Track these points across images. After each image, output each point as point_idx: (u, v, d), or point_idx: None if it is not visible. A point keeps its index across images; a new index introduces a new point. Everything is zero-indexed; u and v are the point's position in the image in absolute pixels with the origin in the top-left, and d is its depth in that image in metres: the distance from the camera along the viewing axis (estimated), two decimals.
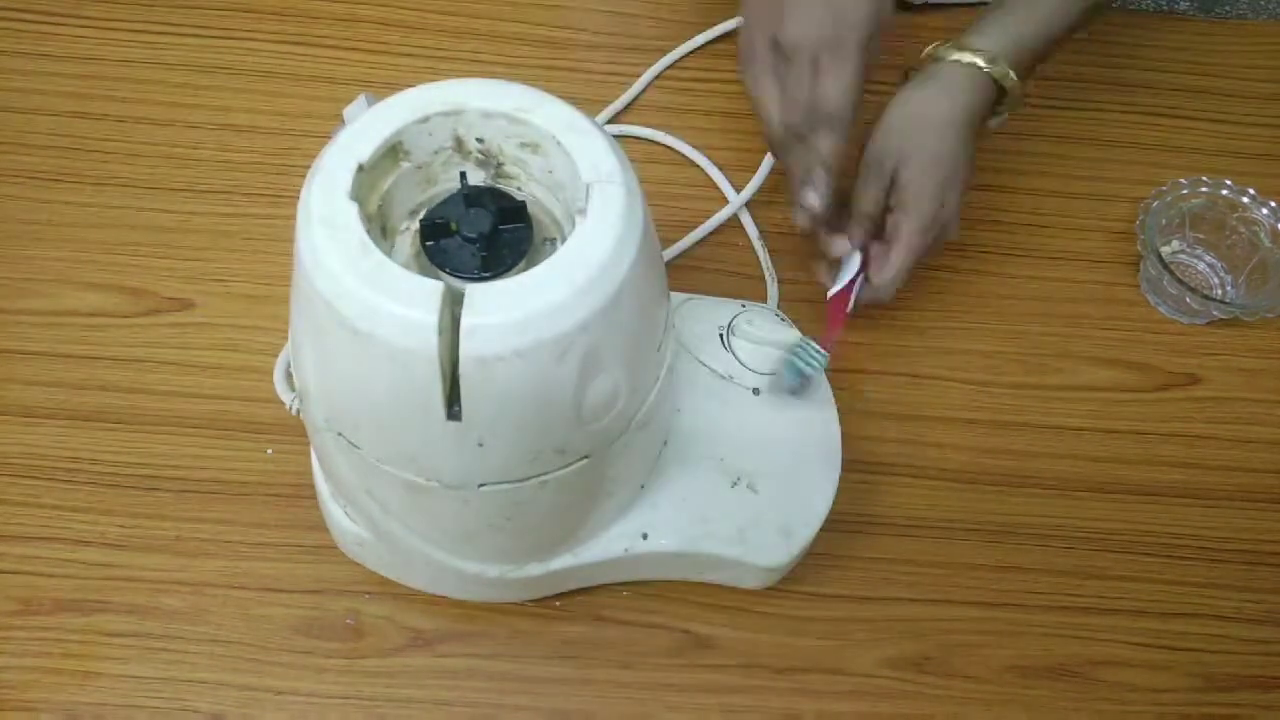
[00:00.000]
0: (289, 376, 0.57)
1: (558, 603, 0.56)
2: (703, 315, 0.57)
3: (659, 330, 0.45)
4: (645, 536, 0.52)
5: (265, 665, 0.53)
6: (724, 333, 0.56)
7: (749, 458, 0.54)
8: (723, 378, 0.55)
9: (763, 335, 0.55)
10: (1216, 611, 0.58)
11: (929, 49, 0.61)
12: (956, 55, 0.59)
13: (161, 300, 0.63)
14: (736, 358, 0.55)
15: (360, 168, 0.40)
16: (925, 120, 0.58)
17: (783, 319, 0.58)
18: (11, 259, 0.64)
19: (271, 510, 0.57)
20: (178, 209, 0.67)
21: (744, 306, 0.57)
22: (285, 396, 0.56)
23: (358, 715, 0.52)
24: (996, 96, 0.60)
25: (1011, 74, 0.59)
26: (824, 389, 0.57)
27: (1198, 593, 0.59)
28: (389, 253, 0.38)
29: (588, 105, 0.73)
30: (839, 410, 0.56)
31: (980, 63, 0.59)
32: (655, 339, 0.45)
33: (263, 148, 0.69)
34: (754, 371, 0.55)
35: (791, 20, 0.55)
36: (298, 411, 0.55)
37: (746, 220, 0.69)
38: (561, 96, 0.43)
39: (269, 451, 0.59)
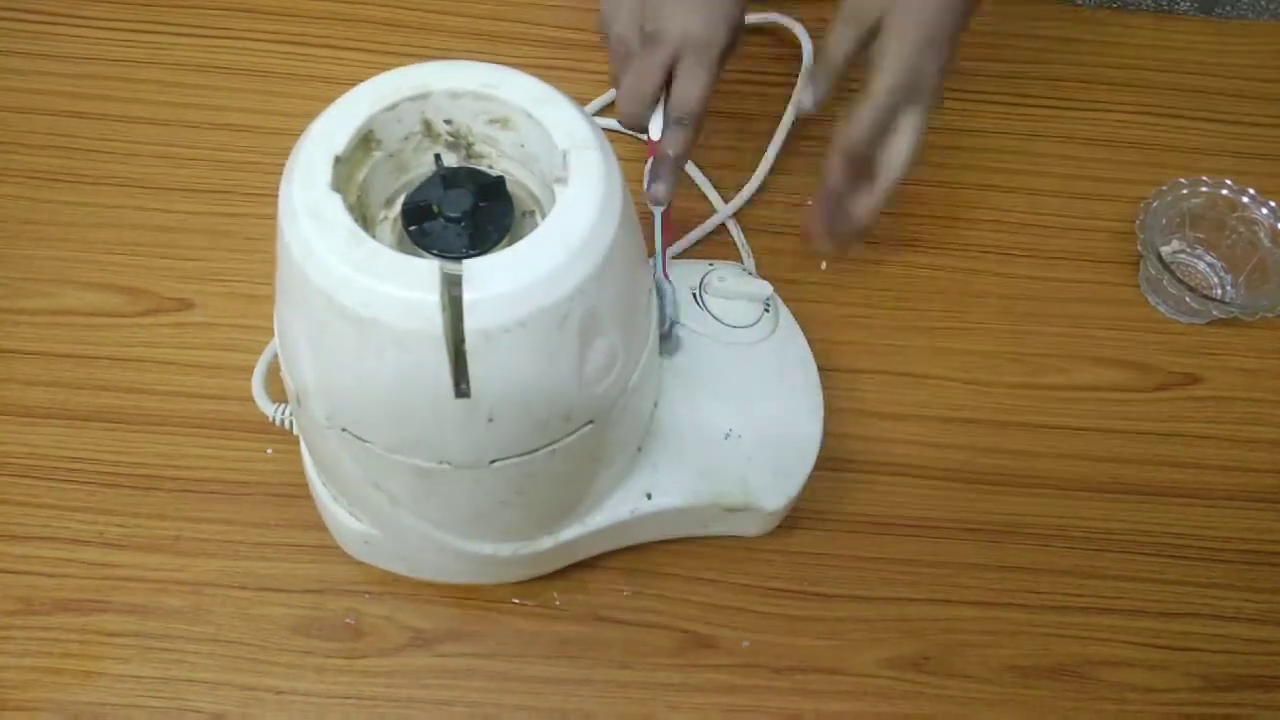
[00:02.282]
0: (269, 388, 0.56)
1: (558, 602, 0.56)
2: (675, 277, 0.58)
3: (645, 291, 0.46)
4: (649, 496, 0.52)
5: (265, 665, 0.53)
6: (697, 292, 0.58)
7: (735, 407, 0.55)
8: (701, 335, 0.56)
9: (735, 289, 0.57)
10: (1216, 611, 0.58)
11: None
12: None
13: (160, 300, 0.63)
14: (712, 314, 0.57)
15: (337, 159, 0.40)
16: None
17: (750, 273, 0.60)
18: (10, 258, 0.64)
19: (271, 510, 0.57)
20: (177, 209, 0.67)
21: (712, 265, 0.59)
22: (267, 409, 0.55)
23: (358, 715, 0.52)
24: None
25: None
26: (787, 322, 0.58)
27: (1198, 593, 0.59)
28: None
29: (589, 105, 0.73)
30: (841, 410, 0.57)
31: None
32: (643, 299, 0.46)
33: (262, 147, 0.69)
34: (730, 326, 0.57)
35: (668, 13, 0.56)
36: (281, 422, 0.55)
37: (734, 229, 0.68)
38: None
39: (269, 451, 0.58)
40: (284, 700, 0.52)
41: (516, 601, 0.56)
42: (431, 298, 0.37)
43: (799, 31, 0.75)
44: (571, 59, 0.75)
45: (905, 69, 0.55)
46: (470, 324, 0.37)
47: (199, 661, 0.53)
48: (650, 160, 0.58)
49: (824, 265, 0.67)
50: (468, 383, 0.39)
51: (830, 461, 0.58)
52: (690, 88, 0.56)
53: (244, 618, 0.54)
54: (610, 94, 0.73)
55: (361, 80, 0.42)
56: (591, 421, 0.44)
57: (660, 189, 0.58)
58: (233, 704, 0.52)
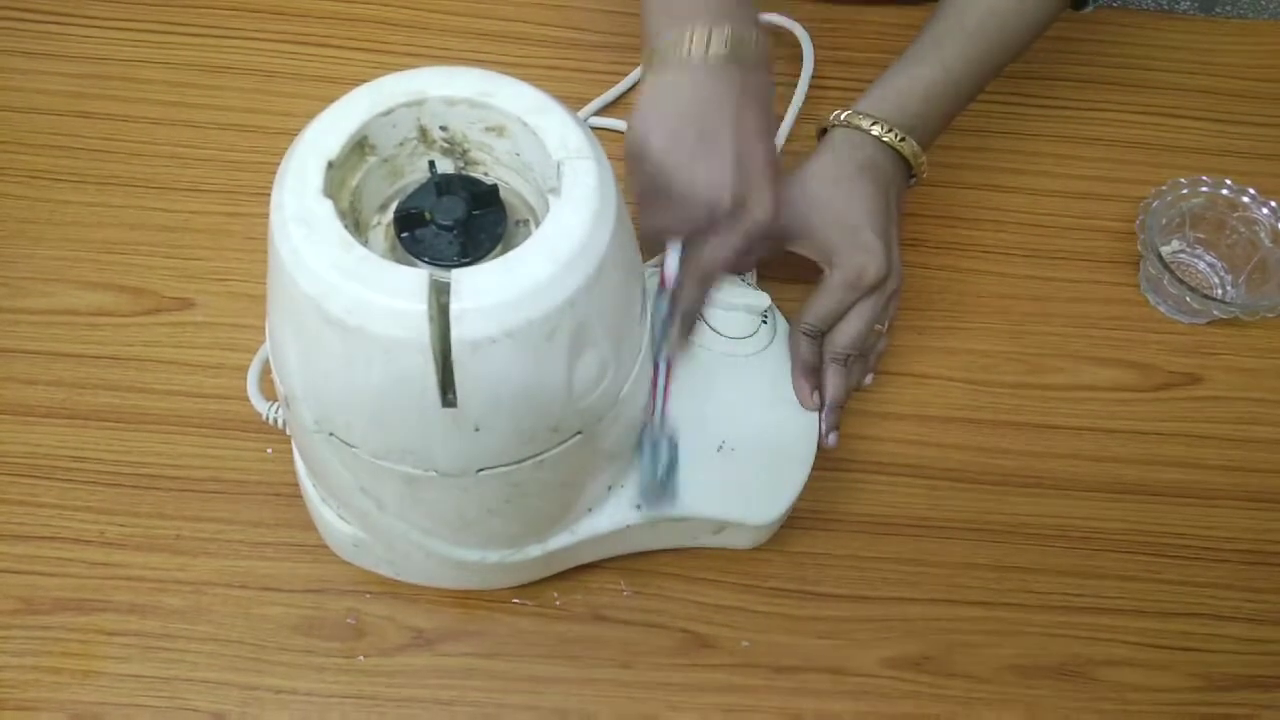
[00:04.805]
0: (263, 387, 0.57)
1: (558, 602, 0.56)
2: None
3: (638, 302, 0.46)
4: (639, 507, 0.52)
5: (265, 664, 0.53)
6: None
7: (729, 420, 0.54)
8: (698, 346, 0.56)
9: (733, 301, 0.57)
10: (1216, 611, 0.58)
11: (831, 117, 0.61)
12: (850, 120, 0.59)
13: (161, 299, 0.63)
14: (709, 325, 0.56)
15: (330, 165, 0.40)
16: (823, 182, 0.58)
17: (749, 284, 0.59)
18: (12, 257, 0.64)
19: (271, 510, 0.57)
20: (179, 208, 0.67)
21: None
22: (261, 407, 0.55)
23: (358, 715, 0.52)
24: (903, 159, 0.60)
25: (901, 136, 0.59)
26: (779, 340, 0.58)
27: (1198, 593, 0.59)
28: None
29: (589, 106, 0.73)
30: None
31: (869, 128, 0.59)
32: (635, 311, 0.45)
33: (264, 147, 0.69)
34: (728, 337, 0.56)
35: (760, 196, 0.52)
36: (274, 421, 0.55)
37: None
38: (565, 97, 0.43)
39: (269, 451, 0.59)
40: (284, 700, 0.52)
41: (517, 601, 0.56)
42: (419, 307, 0.37)
43: (799, 32, 0.76)
44: (573, 59, 0.75)
45: (850, 262, 0.57)
46: (458, 334, 0.37)
47: (199, 661, 0.53)
48: (664, 294, 0.52)
49: (832, 440, 0.58)
50: (455, 392, 0.39)
51: (830, 461, 0.58)
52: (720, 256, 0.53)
53: (244, 617, 0.54)
54: (608, 95, 0.73)
55: (364, 80, 0.42)
56: (580, 432, 0.44)
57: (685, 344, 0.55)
58: (233, 703, 0.52)
